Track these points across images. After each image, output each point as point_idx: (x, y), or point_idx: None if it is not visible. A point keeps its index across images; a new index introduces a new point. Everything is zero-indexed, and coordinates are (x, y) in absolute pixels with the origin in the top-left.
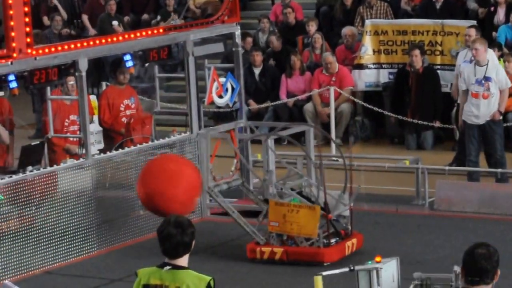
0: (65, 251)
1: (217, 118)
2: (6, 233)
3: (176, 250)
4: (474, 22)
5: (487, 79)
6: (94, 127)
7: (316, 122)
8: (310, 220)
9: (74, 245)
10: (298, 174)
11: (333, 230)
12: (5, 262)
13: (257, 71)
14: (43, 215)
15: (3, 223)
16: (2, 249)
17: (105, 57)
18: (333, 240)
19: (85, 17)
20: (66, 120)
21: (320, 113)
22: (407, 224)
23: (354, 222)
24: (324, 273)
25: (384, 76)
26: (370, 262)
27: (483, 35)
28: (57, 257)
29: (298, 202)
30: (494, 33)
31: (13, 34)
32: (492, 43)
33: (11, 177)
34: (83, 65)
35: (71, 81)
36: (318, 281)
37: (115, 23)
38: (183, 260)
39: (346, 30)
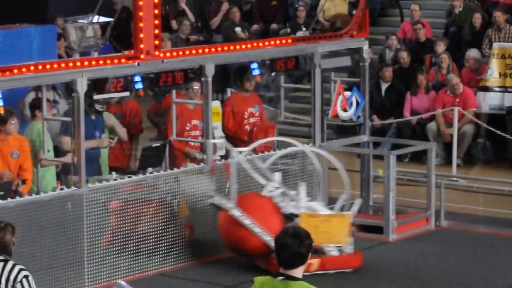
0: (182, 254)
1: (340, 131)
2: (122, 233)
3: (291, 260)
4: None
5: None
6: (216, 133)
7: (438, 142)
8: (341, 228)
9: (191, 248)
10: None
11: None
12: (120, 261)
13: (384, 86)
14: (161, 217)
15: (119, 223)
16: (117, 248)
17: (231, 64)
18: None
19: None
20: (188, 125)
21: (443, 133)
22: None
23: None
24: None
25: (509, 100)
26: None
27: None
28: (173, 260)
29: None
30: None
31: (141, 35)
32: None
33: (130, 177)
34: (210, 71)
35: (196, 86)
36: None
37: (237, 29)
38: (298, 271)
39: (470, 53)
